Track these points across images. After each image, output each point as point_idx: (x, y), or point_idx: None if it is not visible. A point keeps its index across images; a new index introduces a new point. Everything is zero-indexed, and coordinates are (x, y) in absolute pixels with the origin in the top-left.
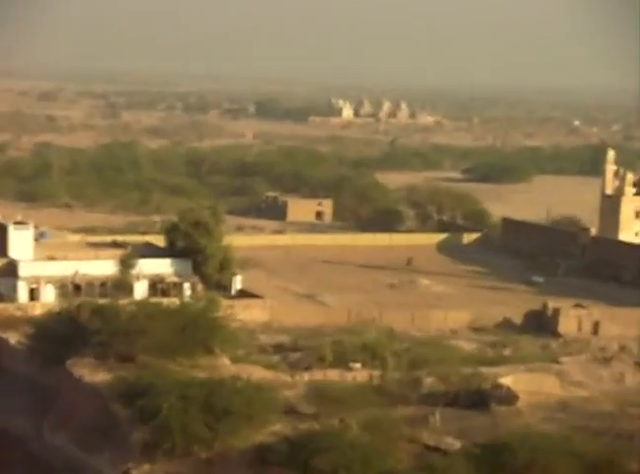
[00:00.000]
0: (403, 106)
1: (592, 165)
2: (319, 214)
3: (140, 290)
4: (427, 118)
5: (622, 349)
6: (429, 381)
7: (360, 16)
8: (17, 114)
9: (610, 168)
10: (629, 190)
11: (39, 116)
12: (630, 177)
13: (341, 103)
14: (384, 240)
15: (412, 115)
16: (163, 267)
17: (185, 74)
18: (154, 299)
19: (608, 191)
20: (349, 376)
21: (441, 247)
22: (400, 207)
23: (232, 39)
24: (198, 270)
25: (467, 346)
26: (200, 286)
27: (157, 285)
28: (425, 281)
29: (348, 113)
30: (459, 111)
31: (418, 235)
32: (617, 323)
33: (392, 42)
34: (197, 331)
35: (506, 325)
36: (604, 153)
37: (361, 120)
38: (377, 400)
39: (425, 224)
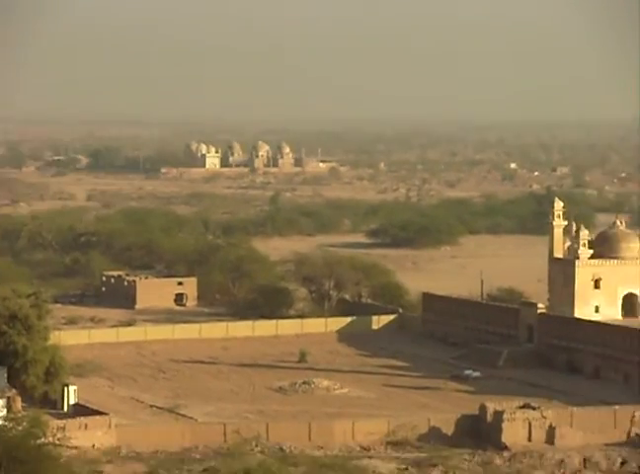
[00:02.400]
0: (286, 150)
1: (535, 220)
2: (179, 298)
3: None
4: (318, 166)
5: (585, 462)
6: None
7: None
8: None
9: (559, 224)
10: (584, 251)
11: None
12: (584, 234)
13: (204, 148)
14: (269, 329)
15: (298, 161)
16: None
17: None
18: None
19: (558, 253)
20: None
21: (345, 335)
22: (288, 285)
23: (52, 73)
24: (15, 380)
25: (384, 466)
26: (19, 403)
27: None
28: (324, 382)
29: (213, 161)
30: (360, 154)
31: (313, 321)
32: (578, 427)
33: (272, 71)
34: (15, 465)
35: (434, 436)
36: (550, 204)
37: (232, 171)
38: None
39: (321, 306)
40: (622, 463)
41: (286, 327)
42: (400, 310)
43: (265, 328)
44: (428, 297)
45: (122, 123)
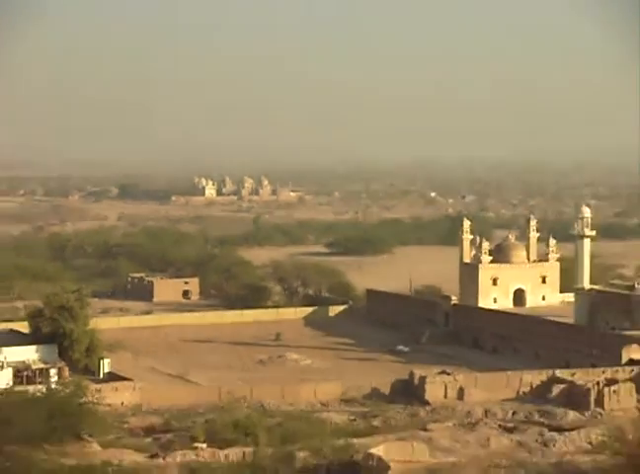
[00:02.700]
0: (265, 183)
1: (449, 235)
2: (186, 293)
3: (5, 379)
4: (289, 195)
5: (486, 413)
6: (301, 455)
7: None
8: None
9: (467, 237)
10: (485, 257)
11: None
12: (486, 245)
13: (204, 182)
14: (252, 316)
15: (274, 191)
16: (28, 353)
17: (43, 159)
18: (19, 388)
19: (466, 259)
20: (221, 455)
21: (309, 321)
22: (266, 283)
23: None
24: (64, 355)
25: (338, 417)
26: (66, 372)
27: (22, 373)
28: (294, 356)
29: (211, 191)
30: (321, 186)
31: (285, 310)
32: (480, 388)
33: (257, 120)
34: (64, 418)
35: (375, 395)
36: (461, 223)
37: (224, 199)
38: None
39: (291, 299)
40: (513, 413)
41: (265, 315)
42: (350, 302)
43: (249, 315)
44: (371, 292)
45: (143, 164)
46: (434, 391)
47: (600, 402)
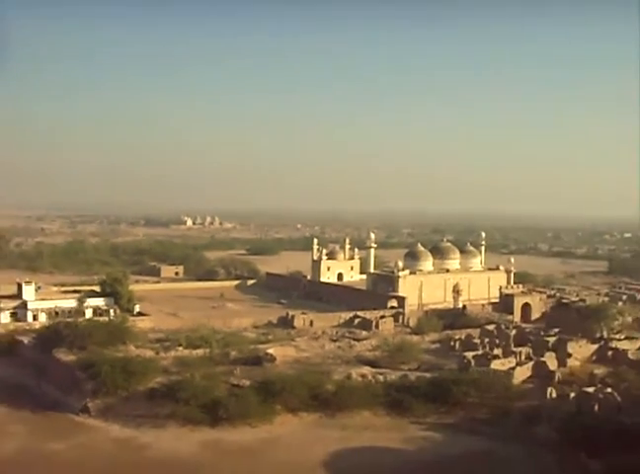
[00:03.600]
0: (216, 219)
1: (307, 246)
2: (177, 273)
3: (88, 314)
4: (228, 225)
5: (323, 333)
6: (233, 353)
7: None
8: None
9: (315, 247)
10: (324, 257)
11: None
12: (324, 251)
13: (186, 218)
14: (210, 285)
15: (220, 223)
16: (99, 302)
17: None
18: (96, 318)
19: (315, 258)
20: (196, 353)
21: (238, 288)
22: (217, 268)
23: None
24: (117, 302)
25: (252, 335)
26: (118, 311)
27: (97, 311)
28: (229, 305)
29: (189, 223)
30: (245, 219)
31: (226, 282)
32: (321, 320)
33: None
34: (117, 333)
35: (269, 324)
36: (312, 240)
37: (197, 227)
38: (209, 364)
39: (228, 276)
40: (336, 333)
41: (216, 284)
42: (257, 279)
43: (208, 285)
44: (268, 274)
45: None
46: (298, 322)
47: (377, 326)
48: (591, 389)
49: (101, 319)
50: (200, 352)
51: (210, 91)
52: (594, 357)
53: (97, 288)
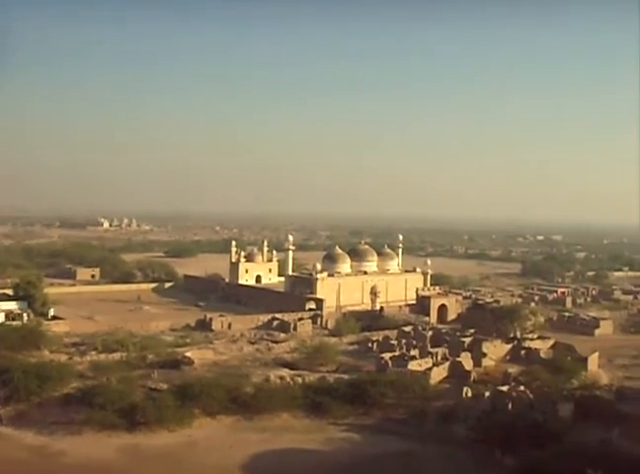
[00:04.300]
0: (133, 221)
1: (225, 248)
2: (93, 276)
3: (0, 318)
4: (145, 227)
5: (242, 335)
6: (150, 357)
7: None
8: None
9: (233, 249)
10: (242, 260)
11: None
12: (242, 254)
13: (103, 220)
14: (126, 288)
15: (138, 225)
16: (12, 305)
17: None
18: (8, 322)
19: (233, 260)
20: (113, 357)
21: (155, 290)
22: (134, 271)
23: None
24: (31, 306)
25: (169, 338)
26: (31, 315)
27: (9, 315)
28: (147, 307)
29: (106, 225)
30: (162, 221)
31: (144, 284)
32: (239, 323)
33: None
34: (31, 337)
35: (187, 327)
36: (231, 243)
37: (113, 228)
38: (126, 368)
39: (146, 279)
40: (255, 335)
41: (133, 287)
42: (175, 281)
43: (125, 287)
44: (186, 276)
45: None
46: (216, 325)
47: (295, 328)
48: (505, 388)
49: (14, 323)
50: (116, 355)
51: (132, 91)
52: (508, 357)
53: (9, 292)
